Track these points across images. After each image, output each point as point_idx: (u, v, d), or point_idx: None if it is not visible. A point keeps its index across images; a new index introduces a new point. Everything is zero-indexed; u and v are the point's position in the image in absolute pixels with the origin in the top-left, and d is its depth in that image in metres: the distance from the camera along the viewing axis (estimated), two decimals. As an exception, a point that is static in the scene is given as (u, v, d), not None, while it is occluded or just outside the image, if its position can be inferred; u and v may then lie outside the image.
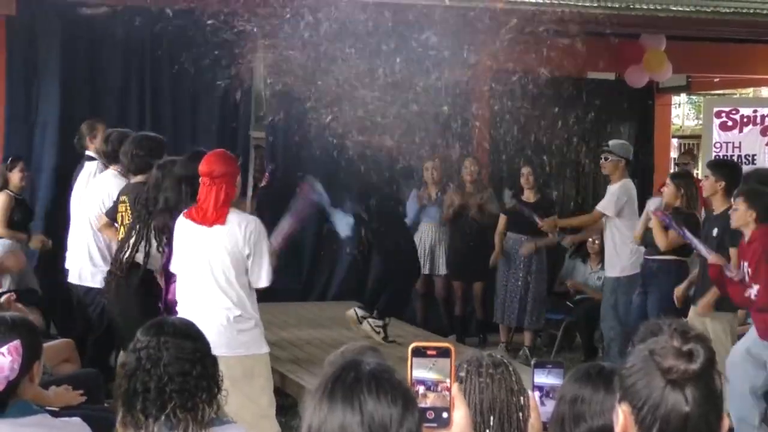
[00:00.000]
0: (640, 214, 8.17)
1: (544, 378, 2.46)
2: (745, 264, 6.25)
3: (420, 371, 1.81)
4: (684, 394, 1.81)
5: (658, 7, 8.70)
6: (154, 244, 5.92)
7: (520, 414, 2.42)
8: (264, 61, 8.25)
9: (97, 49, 9.33)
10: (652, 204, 7.96)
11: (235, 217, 5.20)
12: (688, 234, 6.87)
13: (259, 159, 9.08)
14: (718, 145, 11.24)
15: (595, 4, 8.52)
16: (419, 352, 1.82)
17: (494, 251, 9.28)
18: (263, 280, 5.24)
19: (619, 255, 8.32)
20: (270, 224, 5.71)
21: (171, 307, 5.41)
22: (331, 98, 7.93)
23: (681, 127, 20.33)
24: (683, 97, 20.04)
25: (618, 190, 8.34)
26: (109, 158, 7.24)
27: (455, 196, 9.40)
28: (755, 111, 11.43)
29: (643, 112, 11.84)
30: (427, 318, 9.67)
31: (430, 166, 9.45)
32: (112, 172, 7.17)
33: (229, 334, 5.10)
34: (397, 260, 8.49)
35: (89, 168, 7.57)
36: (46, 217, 8.83)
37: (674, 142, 15.82)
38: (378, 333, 8.12)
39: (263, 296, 5.50)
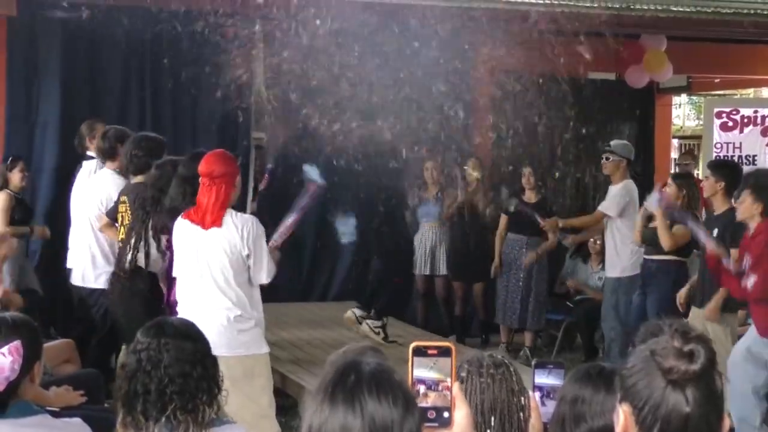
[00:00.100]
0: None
1: (545, 378, 2.46)
2: (748, 256, 6.25)
3: (421, 370, 1.81)
4: (685, 394, 1.81)
5: (659, 8, 8.69)
6: (153, 244, 5.93)
7: (521, 414, 2.42)
8: (264, 61, 8.25)
9: (98, 50, 9.33)
10: (652, 198, 7.92)
11: (232, 218, 5.20)
12: (691, 223, 6.88)
13: (260, 159, 9.07)
14: (718, 145, 11.25)
15: (596, 5, 8.51)
16: (420, 352, 1.82)
17: (494, 258, 9.30)
18: (265, 276, 5.26)
19: (620, 255, 8.31)
20: (270, 225, 5.70)
21: (172, 307, 5.41)
22: (331, 99, 7.93)
23: (681, 127, 20.33)
24: (684, 98, 20.03)
25: (620, 191, 8.34)
26: (105, 155, 7.24)
27: (457, 193, 9.40)
28: (756, 111, 11.44)
29: (643, 113, 11.84)
30: (427, 318, 9.67)
31: (430, 165, 9.45)
32: (109, 171, 7.18)
33: (229, 335, 5.11)
34: (397, 260, 8.51)
35: (88, 166, 7.57)
36: (47, 217, 8.82)
37: (675, 142, 15.82)
38: (377, 334, 8.12)
39: (264, 296, 5.50)
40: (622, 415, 1.88)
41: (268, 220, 5.83)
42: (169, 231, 5.51)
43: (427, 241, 9.50)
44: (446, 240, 9.53)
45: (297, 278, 10.05)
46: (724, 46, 10.98)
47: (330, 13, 7.50)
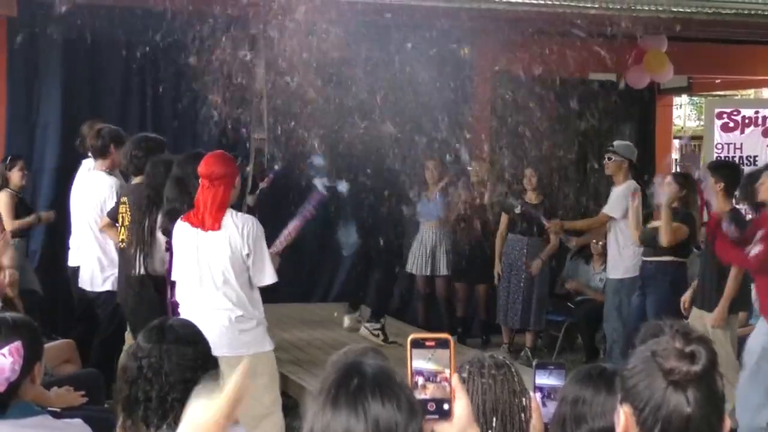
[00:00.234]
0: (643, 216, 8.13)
1: (546, 379, 2.46)
2: (761, 232, 6.25)
3: (419, 362, 1.81)
4: (686, 395, 1.81)
5: (660, 8, 8.69)
6: (157, 244, 5.92)
7: (523, 415, 2.42)
8: (265, 61, 8.25)
9: (98, 50, 9.33)
10: (655, 190, 7.89)
11: (232, 218, 5.20)
12: (700, 173, 6.95)
13: (260, 163, 9.09)
14: (719, 146, 11.24)
15: (596, 5, 8.51)
16: (418, 344, 1.82)
17: (495, 259, 9.31)
18: (267, 277, 5.25)
19: (623, 256, 8.30)
20: (269, 225, 5.70)
21: (174, 309, 5.41)
22: (332, 99, 7.93)
23: (682, 128, 20.33)
24: (684, 98, 20.02)
25: (623, 192, 8.31)
26: (97, 153, 7.26)
27: (463, 193, 9.40)
28: (757, 112, 11.43)
29: (644, 113, 11.83)
30: (428, 319, 9.66)
31: (431, 165, 9.44)
32: (101, 173, 7.20)
33: (230, 335, 5.11)
34: (398, 263, 8.56)
35: (87, 164, 7.59)
36: (48, 218, 8.83)
37: (675, 143, 15.81)
38: (377, 336, 8.13)
39: (265, 297, 5.50)
40: (623, 415, 1.88)
41: (267, 217, 5.83)
42: (169, 233, 5.51)
43: (428, 242, 9.48)
44: (446, 240, 9.52)
45: (298, 279, 10.05)
46: (725, 46, 10.98)
47: (331, 15, 7.50)
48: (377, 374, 1.73)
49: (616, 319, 8.30)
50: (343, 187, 8.02)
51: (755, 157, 11.17)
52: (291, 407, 6.53)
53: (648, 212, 8.05)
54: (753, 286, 7.17)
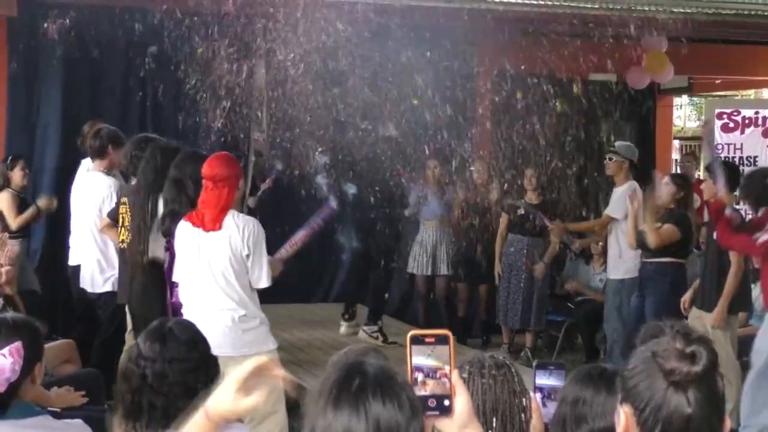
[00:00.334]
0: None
1: (546, 379, 2.46)
2: None
3: (419, 358, 1.81)
4: (686, 395, 1.80)
5: (660, 8, 8.69)
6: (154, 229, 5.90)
7: (523, 415, 2.42)
8: (266, 62, 8.25)
9: (99, 50, 9.33)
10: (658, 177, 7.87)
11: (234, 219, 5.20)
12: (716, 164, 6.94)
13: (260, 167, 9.10)
14: (719, 146, 11.23)
15: (597, 6, 8.51)
16: (417, 340, 1.82)
17: (496, 259, 9.31)
18: (263, 280, 5.25)
19: (624, 257, 8.28)
20: (270, 226, 5.71)
21: (176, 309, 5.40)
22: (333, 100, 7.94)
23: (682, 128, 20.33)
24: (685, 99, 20.03)
25: (625, 193, 8.29)
26: (95, 153, 7.26)
27: (463, 193, 9.40)
28: (757, 113, 11.43)
29: (644, 114, 11.83)
30: (429, 319, 9.65)
31: (432, 165, 9.44)
32: (99, 173, 7.20)
33: (233, 335, 5.11)
34: (395, 263, 8.57)
35: (85, 164, 7.59)
36: (48, 218, 8.82)
37: (676, 143, 15.82)
38: (376, 338, 8.14)
39: (265, 297, 5.50)
40: (623, 416, 1.88)
41: (267, 219, 5.83)
42: (170, 234, 5.50)
43: (428, 241, 9.46)
44: (447, 240, 9.51)
45: (298, 279, 10.04)
46: (725, 47, 10.98)
47: (332, 15, 7.50)
48: (379, 374, 1.73)
49: (617, 319, 8.29)
50: (351, 189, 8.04)
51: (755, 157, 11.17)
52: (291, 408, 6.53)
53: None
54: (753, 287, 7.16)
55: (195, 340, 3.09)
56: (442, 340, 1.82)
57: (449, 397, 1.81)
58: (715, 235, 6.92)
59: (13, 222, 7.78)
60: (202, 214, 5.19)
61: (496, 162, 9.90)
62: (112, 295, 6.94)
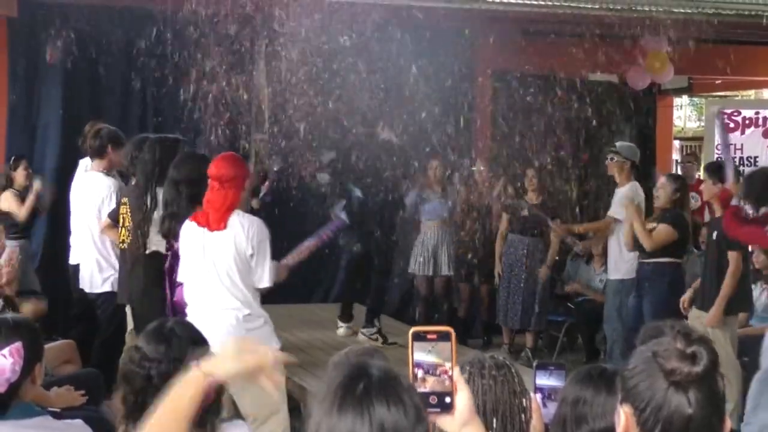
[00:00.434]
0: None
1: (546, 380, 2.46)
2: None
3: (419, 354, 1.81)
4: (687, 396, 1.80)
5: (660, 9, 8.69)
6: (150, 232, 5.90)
7: (523, 416, 2.42)
8: (266, 63, 8.26)
9: (99, 50, 9.33)
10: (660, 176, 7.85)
11: (239, 218, 5.20)
12: (723, 149, 6.92)
13: (260, 170, 9.10)
14: (720, 147, 11.23)
15: (597, 6, 8.51)
16: (419, 337, 1.82)
17: (496, 259, 9.32)
18: (265, 280, 5.25)
19: (624, 258, 8.27)
20: (269, 227, 5.70)
21: (179, 309, 5.40)
22: (334, 100, 7.94)
23: (683, 129, 20.33)
24: (685, 99, 20.03)
25: (627, 193, 8.29)
26: (94, 153, 7.26)
27: (465, 193, 9.40)
28: (757, 113, 11.44)
29: (644, 114, 11.82)
30: (429, 319, 9.64)
31: (434, 164, 9.44)
32: (98, 174, 7.20)
33: (238, 334, 5.11)
34: (394, 263, 8.57)
35: (83, 164, 7.59)
36: (48, 218, 8.83)
37: (676, 144, 15.81)
38: (375, 340, 8.14)
39: (265, 298, 5.50)
40: (624, 416, 1.88)
41: (267, 220, 5.82)
42: (172, 236, 5.50)
43: (429, 241, 9.45)
44: (449, 240, 9.50)
45: (298, 279, 10.04)
46: (726, 47, 10.97)
47: (333, 15, 7.50)
48: (383, 378, 1.71)
49: (617, 319, 8.28)
50: (356, 192, 8.04)
51: (756, 157, 11.17)
52: (291, 408, 6.53)
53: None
54: (754, 287, 7.15)
55: (196, 338, 3.09)
56: (443, 337, 1.81)
57: (450, 394, 1.80)
58: (715, 236, 6.92)
59: (21, 212, 7.82)
60: (207, 214, 5.19)
61: (496, 162, 9.91)
62: (111, 295, 6.94)
